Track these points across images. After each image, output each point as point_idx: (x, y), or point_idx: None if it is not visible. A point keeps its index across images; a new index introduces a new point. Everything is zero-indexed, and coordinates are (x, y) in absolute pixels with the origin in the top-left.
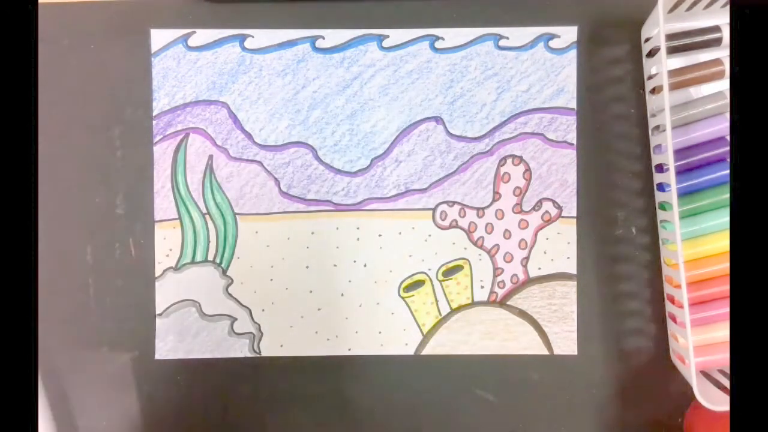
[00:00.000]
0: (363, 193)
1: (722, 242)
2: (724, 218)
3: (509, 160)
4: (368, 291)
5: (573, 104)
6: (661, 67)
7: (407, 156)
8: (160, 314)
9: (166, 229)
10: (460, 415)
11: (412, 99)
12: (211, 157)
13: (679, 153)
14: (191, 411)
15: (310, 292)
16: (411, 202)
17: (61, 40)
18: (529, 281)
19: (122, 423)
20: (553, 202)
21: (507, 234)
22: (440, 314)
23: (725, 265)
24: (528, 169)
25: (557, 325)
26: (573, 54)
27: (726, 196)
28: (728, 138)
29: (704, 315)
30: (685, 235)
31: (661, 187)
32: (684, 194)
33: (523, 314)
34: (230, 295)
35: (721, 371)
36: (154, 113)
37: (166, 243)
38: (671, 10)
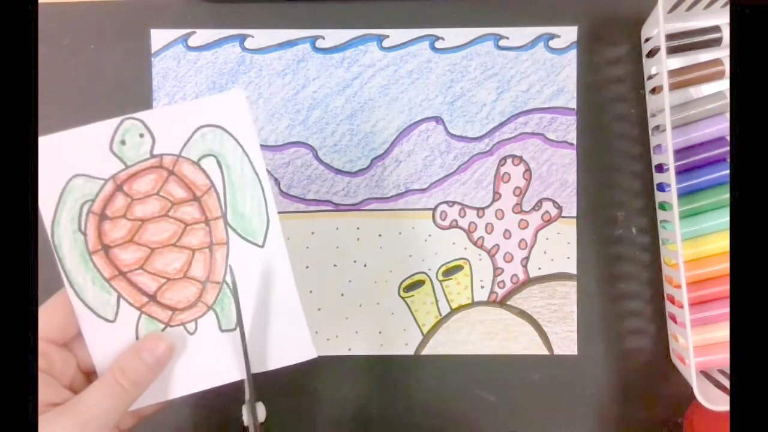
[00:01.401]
0: (363, 193)
1: (722, 242)
2: (724, 218)
3: (509, 160)
4: (368, 291)
5: (573, 104)
6: (661, 67)
7: (407, 156)
8: None
9: None
10: (460, 415)
11: (412, 99)
12: None
13: (679, 153)
14: (189, 412)
15: (310, 292)
16: (411, 202)
17: (61, 40)
18: (529, 281)
19: None
20: (553, 202)
21: (507, 234)
22: (440, 314)
23: (725, 265)
24: (528, 169)
25: (557, 325)
26: (573, 54)
27: (726, 196)
28: (728, 138)
29: (704, 315)
30: (685, 235)
31: (661, 187)
32: (684, 194)
33: (523, 314)
34: None
35: (721, 371)
36: None
37: None
38: (671, 10)
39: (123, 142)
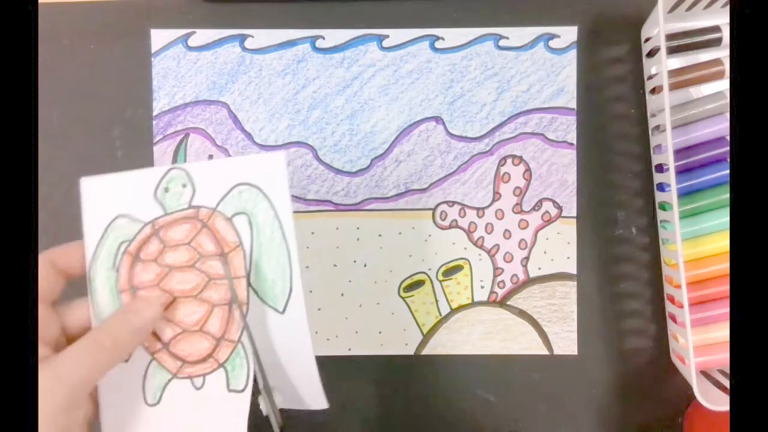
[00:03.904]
0: (363, 193)
1: (722, 242)
2: (724, 218)
3: (509, 160)
4: (368, 291)
5: (573, 104)
6: (661, 67)
7: (407, 156)
8: None
9: None
10: (460, 415)
11: (412, 99)
12: (211, 156)
13: (679, 153)
14: None
15: (310, 292)
16: (411, 202)
17: (61, 40)
18: (529, 281)
19: None
20: (553, 202)
21: (507, 234)
22: (440, 314)
23: (725, 265)
24: (528, 169)
25: (557, 325)
26: (573, 54)
27: (726, 196)
28: (728, 138)
29: (704, 315)
30: (685, 235)
31: (661, 187)
32: (684, 194)
33: (523, 314)
34: None
35: (721, 371)
36: (154, 113)
37: None
38: (671, 10)
39: (167, 190)
